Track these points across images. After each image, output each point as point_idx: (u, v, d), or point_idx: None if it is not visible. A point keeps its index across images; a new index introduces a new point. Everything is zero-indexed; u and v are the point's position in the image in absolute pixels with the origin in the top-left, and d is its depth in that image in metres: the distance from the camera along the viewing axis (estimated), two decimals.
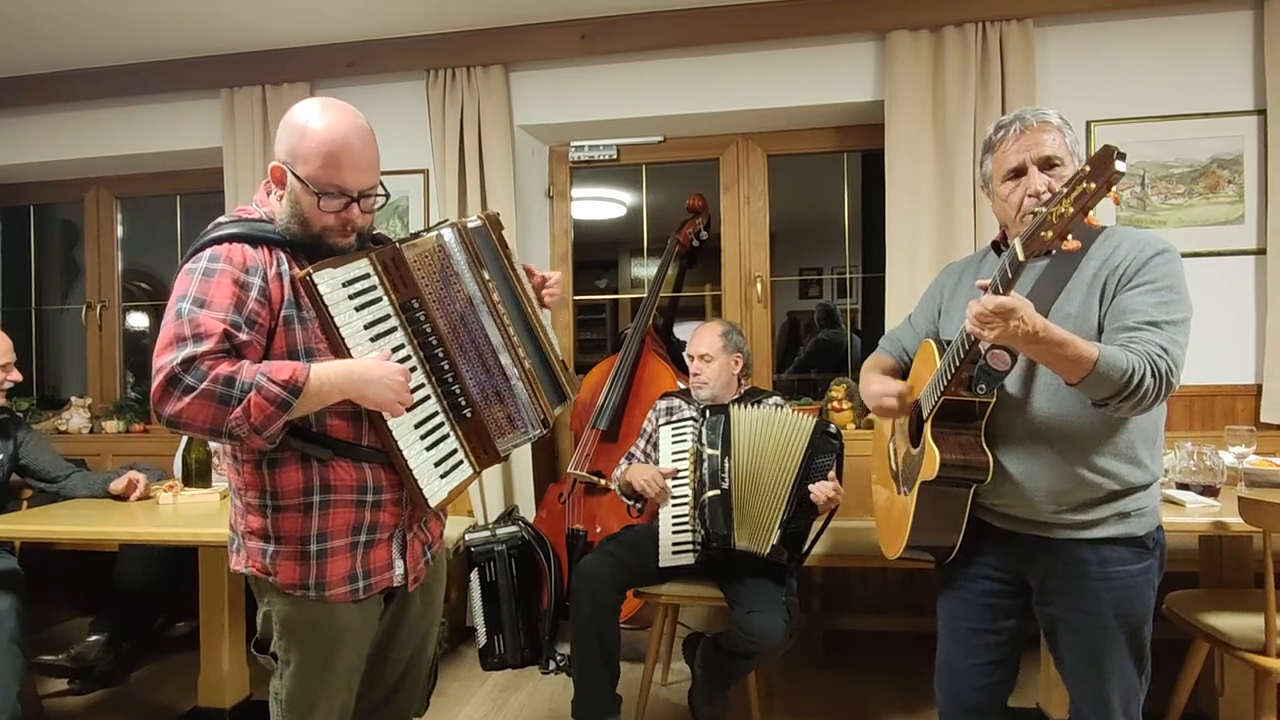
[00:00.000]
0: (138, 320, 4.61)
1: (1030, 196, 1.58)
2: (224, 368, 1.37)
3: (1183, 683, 2.25)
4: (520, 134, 3.66)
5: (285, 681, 1.58)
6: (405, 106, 3.67)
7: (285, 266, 1.51)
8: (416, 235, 1.65)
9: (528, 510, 3.55)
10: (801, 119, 3.60)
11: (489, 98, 3.53)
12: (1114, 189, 1.23)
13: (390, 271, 1.56)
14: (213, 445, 2.86)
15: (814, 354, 4.61)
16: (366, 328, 1.53)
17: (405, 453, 1.54)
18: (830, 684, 3.01)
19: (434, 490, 1.58)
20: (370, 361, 1.49)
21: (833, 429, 2.46)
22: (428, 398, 1.59)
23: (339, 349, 1.50)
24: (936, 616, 1.83)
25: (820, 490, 2.35)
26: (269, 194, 1.59)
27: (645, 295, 3.53)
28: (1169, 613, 2.27)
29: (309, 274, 1.46)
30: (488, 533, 3.28)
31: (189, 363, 1.35)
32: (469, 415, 1.63)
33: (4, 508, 2.93)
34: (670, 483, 2.57)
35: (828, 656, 3.24)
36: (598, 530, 3.24)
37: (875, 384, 1.79)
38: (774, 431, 2.47)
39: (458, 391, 1.62)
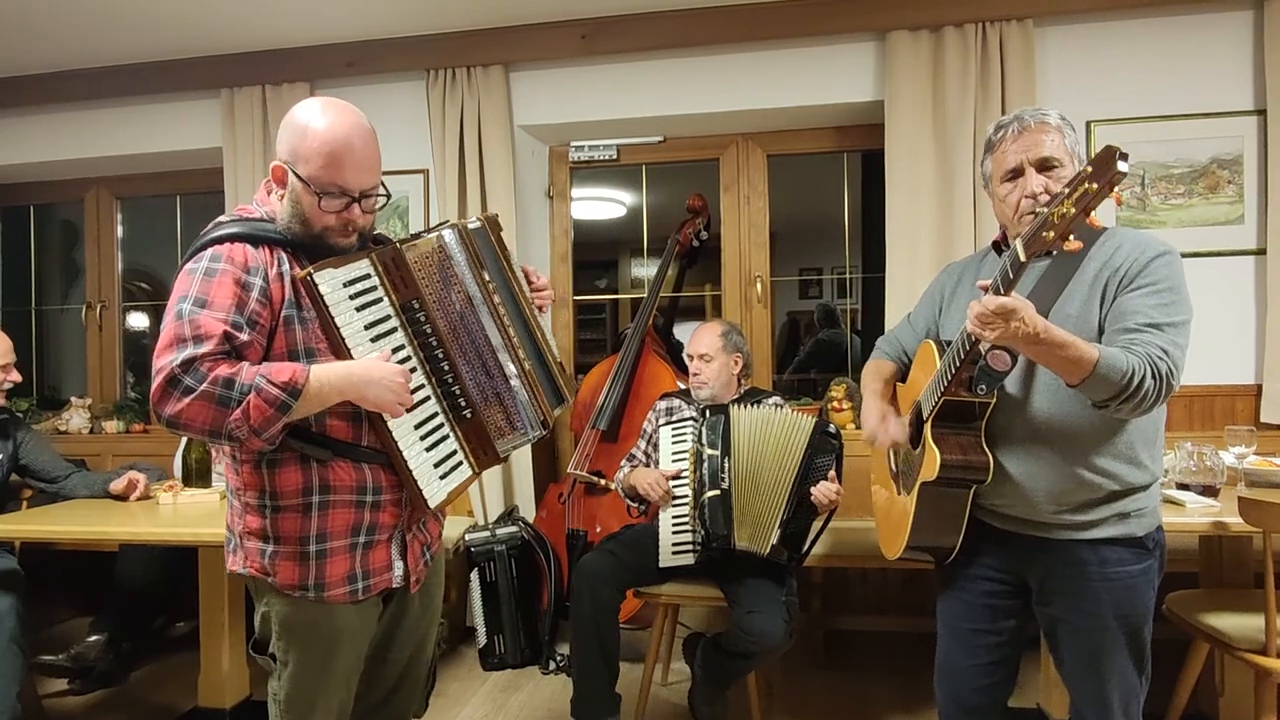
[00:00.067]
0: (138, 320, 4.61)
1: (1027, 198, 1.58)
2: (223, 369, 1.36)
3: (1183, 683, 2.25)
4: (520, 134, 3.66)
5: (284, 682, 1.57)
6: (405, 106, 3.67)
7: (286, 266, 1.51)
8: (417, 236, 1.65)
9: (528, 510, 3.55)
10: (801, 119, 3.60)
11: (489, 98, 3.53)
12: (1116, 189, 1.23)
13: (391, 272, 1.56)
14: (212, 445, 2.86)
15: (814, 354, 4.61)
16: (367, 328, 1.53)
17: (405, 453, 1.54)
18: (830, 684, 3.01)
19: (433, 491, 1.58)
20: (370, 363, 1.49)
21: (832, 429, 2.46)
22: (428, 398, 1.59)
23: (339, 349, 1.50)
24: (936, 617, 1.83)
25: (821, 492, 2.35)
26: (269, 193, 1.58)
27: (645, 295, 3.53)
28: (1169, 613, 2.27)
29: (310, 274, 1.46)
30: (488, 533, 3.28)
31: (189, 364, 1.35)
32: (469, 416, 1.63)
33: (4, 508, 2.93)
34: (671, 483, 2.57)
35: (828, 656, 3.24)
36: (598, 530, 3.24)
37: (874, 418, 1.83)
38: (773, 431, 2.47)
39: (458, 392, 1.62)
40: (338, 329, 1.49)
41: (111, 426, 4.07)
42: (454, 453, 1.62)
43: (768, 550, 2.39)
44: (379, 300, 1.55)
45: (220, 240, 1.48)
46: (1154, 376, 1.41)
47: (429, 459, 1.58)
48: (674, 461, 2.60)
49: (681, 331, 3.74)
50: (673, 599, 2.65)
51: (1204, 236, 3.16)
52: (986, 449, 1.59)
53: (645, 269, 5.04)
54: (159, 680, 3.19)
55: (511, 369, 1.68)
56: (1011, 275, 1.34)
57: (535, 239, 3.86)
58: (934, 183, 3.21)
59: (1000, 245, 1.74)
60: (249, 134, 3.73)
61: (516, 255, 3.52)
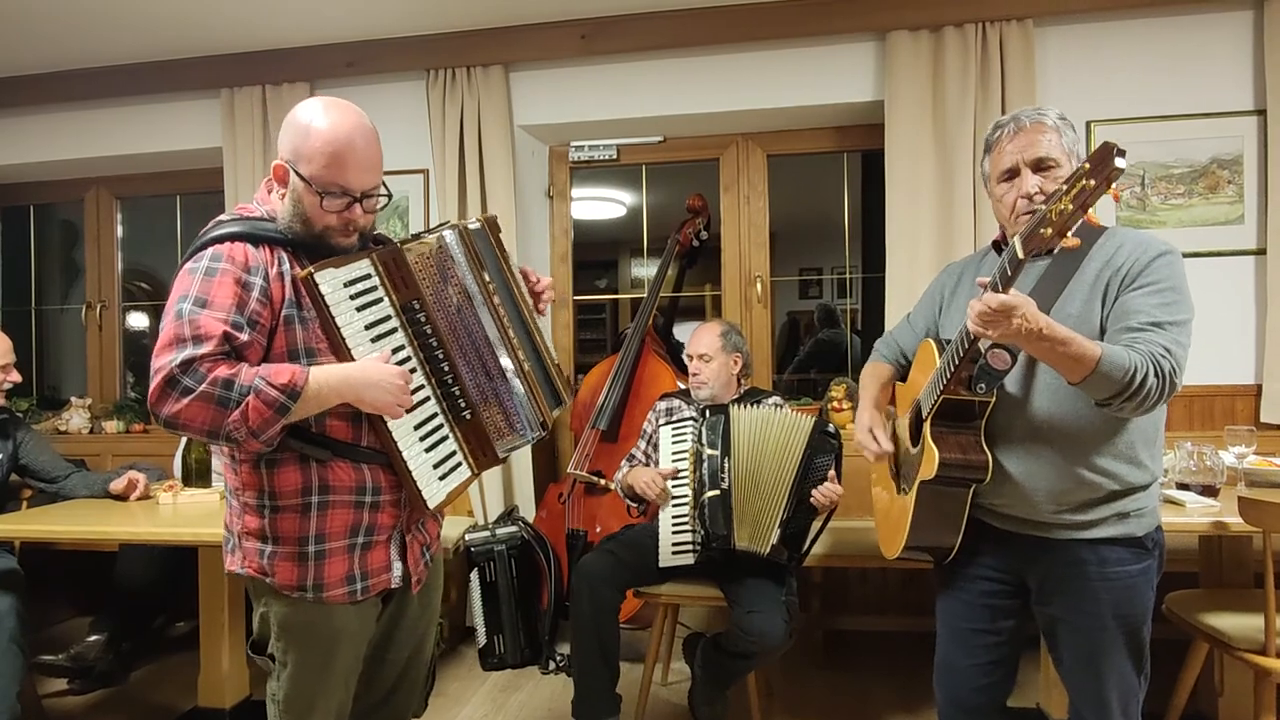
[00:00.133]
0: (138, 320, 4.61)
1: (1023, 198, 1.59)
2: (222, 370, 1.36)
3: (1182, 683, 2.25)
4: (520, 134, 3.66)
5: (283, 683, 1.57)
6: (405, 106, 3.67)
7: (286, 266, 1.51)
8: (418, 236, 1.65)
9: (528, 510, 3.55)
10: (801, 119, 3.60)
11: (489, 98, 3.53)
12: (1114, 186, 1.23)
13: (391, 272, 1.55)
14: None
15: (814, 354, 4.61)
16: (367, 328, 1.52)
17: (405, 454, 1.54)
18: (830, 684, 3.01)
19: (433, 492, 1.57)
20: (369, 365, 1.49)
21: (831, 428, 2.46)
22: (427, 399, 1.59)
23: (340, 349, 1.49)
24: (936, 617, 1.83)
25: (822, 494, 2.35)
26: (270, 192, 1.58)
27: (645, 295, 3.53)
28: (1169, 613, 2.27)
29: (311, 274, 1.46)
30: (487, 533, 3.28)
31: (188, 364, 1.34)
32: (468, 417, 1.63)
33: (4, 508, 2.93)
34: (670, 483, 2.57)
35: (827, 656, 3.24)
36: (597, 530, 3.24)
37: (864, 431, 1.83)
38: (773, 431, 2.47)
39: (457, 393, 1.62)
40: (338, 329, 1.49)
41: (111, 426, 4.07)
42: (453, 453, 1.62)
43: (767, 550, 2.39)
44: (379, 300, 1.55)
45: (221, 239, 1.48)
46: (1157, 374, 1.41)
47: (428, 460, 1.58)
48: (674, 461, 2.60)
49: (681, 331, 3.74)
50: (673, 599, 2.65)
51: (1204, 236, 3.16)
52: (986, 448, 1.59)
53: (645, 269, 5.04)
54: (159, 680, 3.19)
55: (511, 370, 1.68)
56: (1010, 272, 1.34)
57: (535, 239, 3.86)
58: (934, 183, 3.21)
59: (1000, 245, 1.74)
60: (249, 134, 3.73)
61: (516, 255, 3.56)
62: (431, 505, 1.57)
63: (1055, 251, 1.45)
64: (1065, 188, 1.25)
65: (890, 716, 2.75)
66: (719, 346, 2.72)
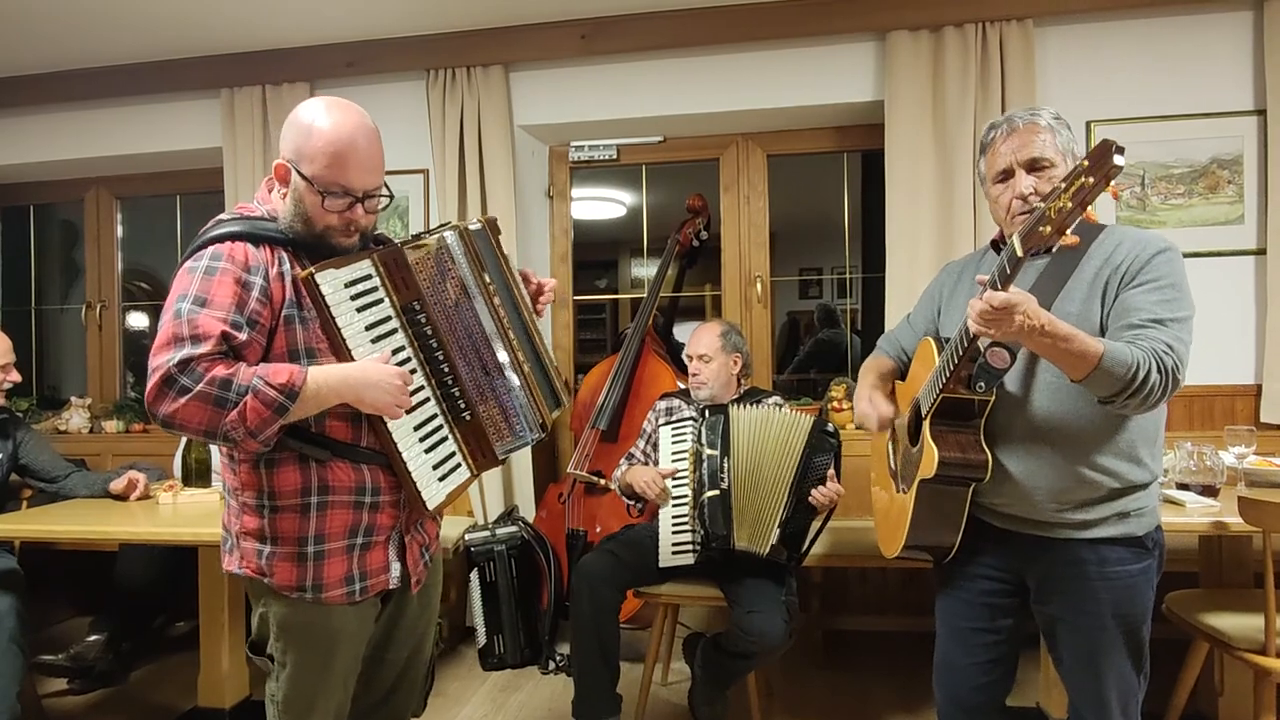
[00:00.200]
0: (138, 320, 4.61)
1: (1017, 199, 1.59)
2: (220, 370, 1.36)
3: (1182, 683, 2.25)
4: (520, 134, 3.67)
5: (282, 683, 1.57)
6: (405, 106, 3.67)
7: (287, 266, 1.50)
8: (419, 237, 1.65)
9: (528, 510, 3.55)
10: (801, 119, 3.60)
11: (489, 98, 3.53)
12: (1113, 183, 1.23)
13: (392, 272, 1.55)
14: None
15: (814, 354, 4.62)
16: (368, 329, 1.52)
17: (404, 455, 1.54)
18: (830, 684, 3.01)
19: (432, 493, 1.57)
20: (368, 365, 1.48)
21: (830, 428, 2.46)
22: (427, 400, 1.59)
23: (340, 350, 1.49)
24: (935, 616, 1.83)
25: (821, 494, 2.35)
26: (271, 191, 1.57)
27: (645, 295, 3.53)
28: (1169, 613, 2.27)
29: (311, 274, 1.45)
30: (487, 533, 3.28)
31: (185, 364, 1.34)
32: (468, 418, 1.63)
33: (4, 508, 2.93)
34: (670, 483, 2.57)
35: (827, 656, 3.24)
36: (597, 530, 3.24)
37: (863, 401, 1.82)
38: (772, 431, 2.47)
39: (457, 394, 1.62)
40: (339, 329, 1.49)
41: (111, 426, 4.07)
42: (453, 454, 1.62)
43: (767, 550, 2.39)
44: (380, 301, 1.54)
45: (221, 239, 1.47)
46: (1159, 371, 1.41)
47: (428, 460, 1.58)
48: (673, 461, 2.60)
49: (681, 331, 3.74)
50: (673, 599, 2.65)
51: (1204, 236, 3.16)
52: (985, 447, 1.59)
53: (645, 269, 5.04)
54: (159, 680, 3.19)
55: (511, 371, 1.68)
56: (1010, 271, 1.34)
57: (535, 239, 3.86)
58: (934, 183, 3.21)
59: (998, 244, 1.74)
60: (249, 134, 3.73)
61: (517, 255, 3.56)
62: (431, 506, 1.57)
63: (1054, 249, 1.45)
64: (1064, 185, 1.25)
65: (890, 716, 2.75)
66: (719, 347, 2.72)
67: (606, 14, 3.43)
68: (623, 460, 2.83)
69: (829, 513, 2.43)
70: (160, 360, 1.35)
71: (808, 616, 3.22)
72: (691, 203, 3.61)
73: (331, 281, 1.48)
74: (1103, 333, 1.53)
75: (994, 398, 1.57)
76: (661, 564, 2.53)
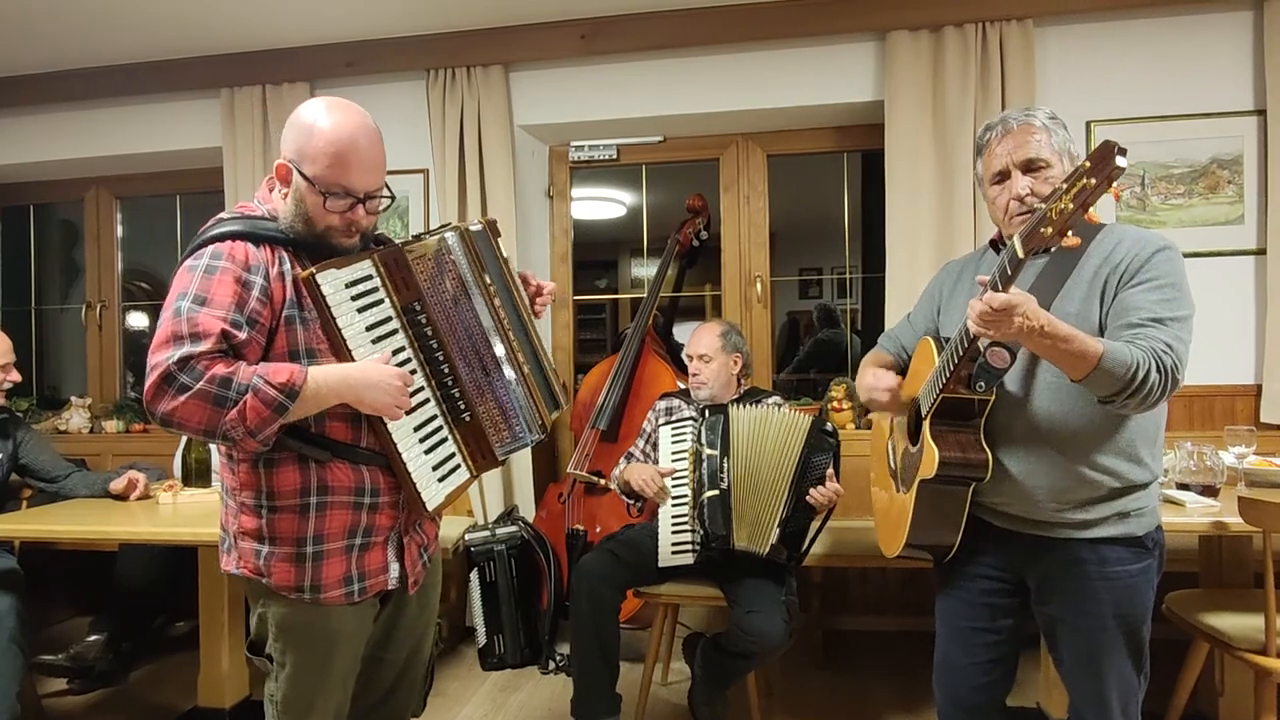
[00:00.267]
0: (138, 320, 4.61)
1: (1014, 200, 1.59)
2: (220, 368, 1.35)
3: (1183, 683, 2.25)
4: (520, 134, 3.66)
5: (281, 684, 1.57)
6: (405, 106, 3.67)
7: (287, 265, 1.50)
8: (419, 237, 1.65)
9: (527, 510, 3.55)
10: (801, 119, 3.60)
11: (489, 98, 3.53)
12: (1115, 185, 1.23)
13: (393, 273, 1.55)
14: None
15: (813, 354, 4.62)
16: (368, 329, 1.52)
17: (404, 455, 1.54)
18: (830, 684, 3.01)
19: (431, 494, 1.57)
20: (368, 366, 1.48)
21: (829, 427, 2.46)
22: (427, 401, 1.59)
23: (340, 350, 1.49)
24: (935, 616, 1.83)
25: (820, 493, 2.35)
26: (272, 190, 1.57)
27: (645, 295, 3.53)
28: (1169, 613, 2.27)
29: (312, 274, 1.45)
30: (487, 532, 3.28)
31: (185, 362, 1.34)
32: (468, 419, 1.63)
33: (4, 507, 2.93)
34: (669, 482, 2.57)
35: (827, 656, 3.24)
36: (597, 530, 3.23)
37: (868, 377, 1.81)
38: (771, 430, 2.47)
39: (457, 395, 1.61)
40: (339, 330, 1.48)
41: (111, 426, 4.06)
42: (452, 455, 1.62)
43: (767, 550, 2.39)
44: (380, 301, 1.54)
45: (221, 238, 1.47)
46: (1159, 370, 1.41)
47: (427, 461, 1.58)
48: (673, 461, 2.60)
49: (681, 331, 3.74)
50: (672, 599, 2.65)
51: (1204, 236, 3.16)
52: (985, 447, 1.59)
53: (645, 269, 5.05)
54: (158, 680, 3.19)
55: (511, 373, 1.68)
56: (1010, 271, 1.34)
57: (535, 239, 3.86)
58: (934, 183, 3.21)
59: (998, 244, 1.75)
60: (249, 134, 3.73)
61: (517, 255, 3.57)
62: (430, 507, 1.57)
63: (1054, 249, 1.45)
64: (1065, 186, 1.25)
65: (890, 716, 2.75)
66: (719, 347, 2.72)
67: (606, 14, 3.42)
68: (622, 459, 2.83)
69: (828, 512, 2.42)
70: (159, 358, 1.34)
71: (808, 616, 3.22)
72: (691, 203, 3.61)
73: (332, 281, 1.48)
74: (1102, 331, 1.53)
75: (994, 397, 1.57)
76: (661, 564, 2.52)
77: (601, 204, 5.18)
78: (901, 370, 1.90)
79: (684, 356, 2.84)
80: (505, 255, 1.74)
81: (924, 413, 1.62)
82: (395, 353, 1.54)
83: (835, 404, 3.46)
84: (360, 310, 1.51)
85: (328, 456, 1.51)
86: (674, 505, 2.55)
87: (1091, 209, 1.25)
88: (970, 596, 1.73)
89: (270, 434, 1.40)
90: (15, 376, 2.96)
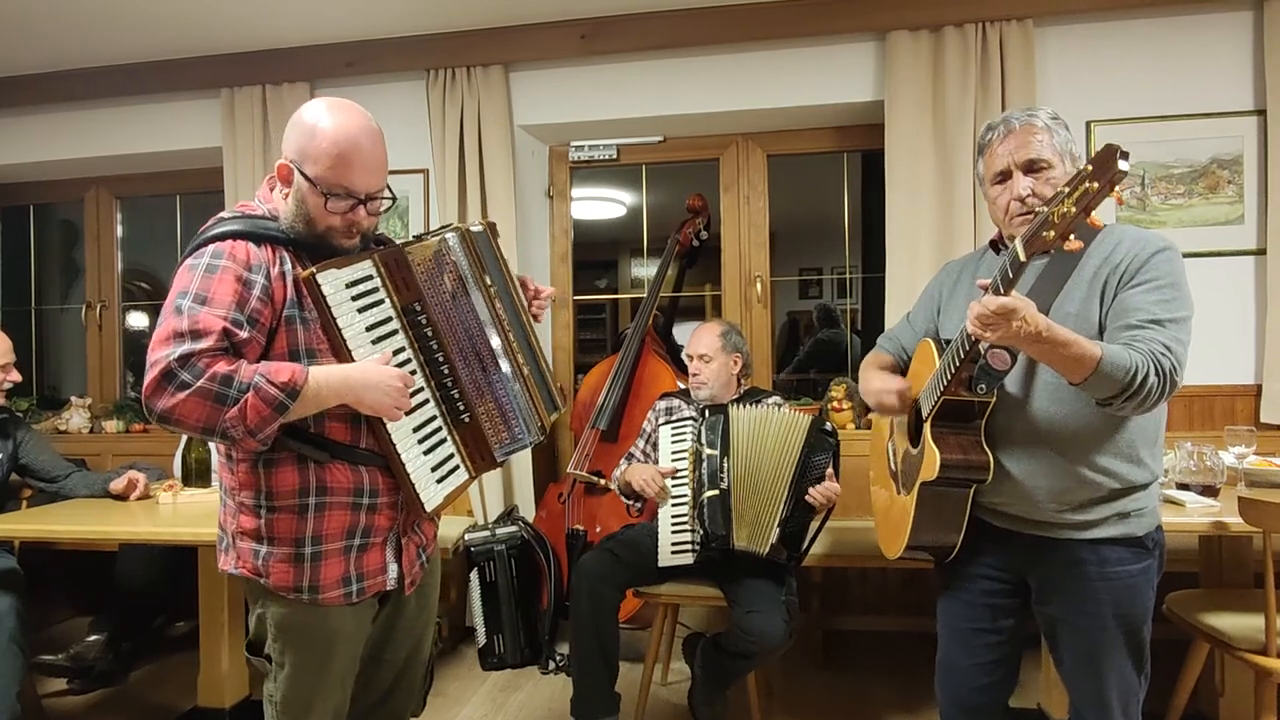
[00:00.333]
0: (138, 320, 4.61)
1: (1015, 200, 1.59)
2: (222, 366, 1.35)
3: (1183, 683, 2.25)
4: (520, 134, 3.66)
5: (280, 684, 1.57)
6: (405, 106, 3.67)
7: (288, 265, 1.50)
8: (420, 238, 1.65)
9: (527, 510, 3.55)
10: (801, 119, 3.60)
11: (489, 98, 3.53)
12: (1117, 189, 1.23)
13: (394, 273, 1.55)
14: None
15: (813, 354, 4.62)
16: (368, 329, 1.52)
17: (403, 456, 1.53)
18: (830, 684, 3.01)
19: (430, 495, 1.57)
20: (369, 367, 1.48)
21: (829, 427, 2.46)
22: (426, 402, 1.59)
23: (340, 350, 1.49)
24: (936, 617, 1.83)
25: (819, 491, 2.35)
26: (273, 190, 1.57)
27: (645, 295, 3.53)
28: (1169, 613, 2.27)
29: (313, 274, 1.45)
30: (487, 532, 3.28)
31: (186, 359, 1.33)
32: (467, 420, 1.63)
33: (4, 507, 2.93)
34: (669, 482, 2.57)
35: (827, 656, 3.24)
36: (597, 530, 3.24)
37: (876, 380, 1.79)
38: (771, 430, 2.47)
39: (456, 396, 1.61)
40: (339, 330, 1.48)
41: (111, 426, 4.06)
42: (451, 456, 1.62)
43: (767, 550, 2.39)
44: (381, 302, 1.54)
45: (222, 237, 1.47)
46: (1157, 373, 1.41)
47: (426, 462, 1.57)
48: (673, 461, 2.60)
49: (681, 331, 3.74)
50: (672, 599, 2.65)
51: (1204, 236, 3.16)
52: (986, 448, 1.59)
53: (645, 269, 5.04)
54: (158, 680, 3.19)
55: (510, 374, 1.68)
56: (1011, 275, 1.34)
57: (535, 239, 3.86)
58: (934, 183, 3.21)
59: (998, 244, 1.74)
60: (249, 134, 3.73)
61: (516, 255, 3.57)
62: (429, 508, 1.57)
63: (1054, 251, 1.44)
64: (1068, 190, 1.24)
65: (890, 716, 2.75)
66: (719, 347, 2.72)
67: (606, 14, 3.42)
68: (622, 460, 2.83)
69: (828, 512, 2.43)
70: (160, 355, 1.34)
71: (808, 616, 3.22)
72: (691, 203, 3.61)
73: (333, 281, 1.47)
74: (1102, 331, 1.53)
75: (994, 399, 1.57)
76: (661, 563, 2.52)
77: (601, 204, 5.18)
78: (902, 371, 1.90)
79: (684, 356, 2.84)
80: (505, 257, 1.74)
81: (925, 415, 1.62)
82: (395, 353, 1.54)
83: (835, 404, 3.46)
84: (360, 310, 1.51)
85: (327, 457, 1.51)
86: (674, 505, 2.55)
87: (1095, 216, 1.25)
88: (971, 597, 1.73)
89: (270, 433, 1.40)
90: (15, 376, 2.95)
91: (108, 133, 3.97)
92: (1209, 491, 2.28)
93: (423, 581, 1.72)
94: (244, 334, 1.41)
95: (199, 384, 1.33)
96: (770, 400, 2.69)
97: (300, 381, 1.40)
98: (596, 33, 3.47)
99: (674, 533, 2.53)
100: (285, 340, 1.47)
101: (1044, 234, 1.27)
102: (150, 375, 1.34)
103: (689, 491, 2.53)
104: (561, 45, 3.51)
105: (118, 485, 2.80)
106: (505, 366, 1.67)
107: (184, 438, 2.90)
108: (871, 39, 3.34)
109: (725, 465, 2.46)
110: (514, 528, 3.31)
